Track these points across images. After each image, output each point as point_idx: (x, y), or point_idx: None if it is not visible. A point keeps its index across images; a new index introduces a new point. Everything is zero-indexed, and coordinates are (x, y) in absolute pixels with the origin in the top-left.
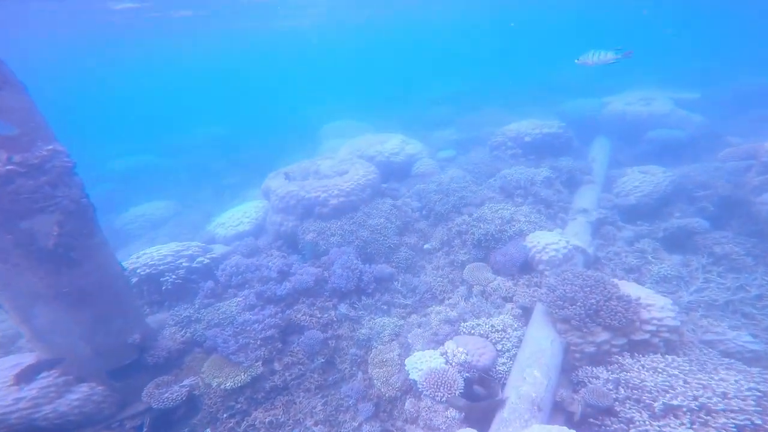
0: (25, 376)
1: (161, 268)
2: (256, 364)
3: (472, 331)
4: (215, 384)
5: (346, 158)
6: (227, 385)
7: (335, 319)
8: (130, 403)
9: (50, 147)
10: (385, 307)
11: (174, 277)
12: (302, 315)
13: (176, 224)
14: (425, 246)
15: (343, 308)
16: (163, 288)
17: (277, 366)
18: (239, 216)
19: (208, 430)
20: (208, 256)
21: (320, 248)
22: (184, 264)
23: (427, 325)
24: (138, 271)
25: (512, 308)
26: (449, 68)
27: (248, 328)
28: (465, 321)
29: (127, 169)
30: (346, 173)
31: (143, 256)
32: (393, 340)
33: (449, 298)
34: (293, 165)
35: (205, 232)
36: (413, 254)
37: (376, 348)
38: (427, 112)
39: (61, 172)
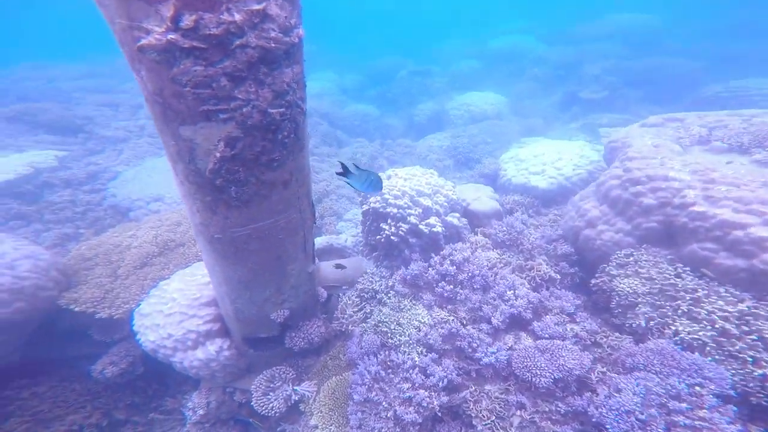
0: None
1: (389, 209)
2: None
3: None
4: (312, 422)
5: None
6: None
7: None
8: (253, 371)
9: (256, 7)
10: None
11: (393, 230)
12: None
13: (485, 129)
14: None
15: None
16: (377, 236)
17: None
18: (551, 159)
19: None
20: (449, 217)
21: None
22: (412, 219)
23: None
24: (370, 200)
25: None
26: None
27: (396, 384)
28: None
29: (499, 50)
30: None
31: (393, 178)
32: None
33: None
34: (715, 115)
35: (494, 161)
36: None
37: None
38: None
39: (258, 56)
